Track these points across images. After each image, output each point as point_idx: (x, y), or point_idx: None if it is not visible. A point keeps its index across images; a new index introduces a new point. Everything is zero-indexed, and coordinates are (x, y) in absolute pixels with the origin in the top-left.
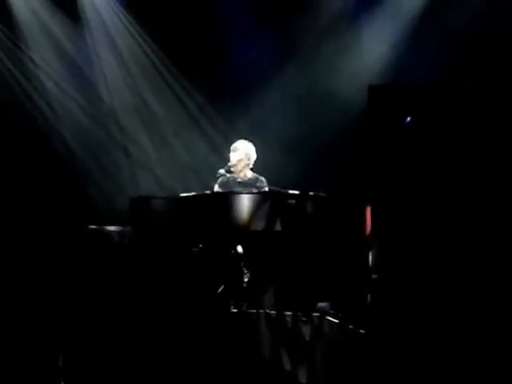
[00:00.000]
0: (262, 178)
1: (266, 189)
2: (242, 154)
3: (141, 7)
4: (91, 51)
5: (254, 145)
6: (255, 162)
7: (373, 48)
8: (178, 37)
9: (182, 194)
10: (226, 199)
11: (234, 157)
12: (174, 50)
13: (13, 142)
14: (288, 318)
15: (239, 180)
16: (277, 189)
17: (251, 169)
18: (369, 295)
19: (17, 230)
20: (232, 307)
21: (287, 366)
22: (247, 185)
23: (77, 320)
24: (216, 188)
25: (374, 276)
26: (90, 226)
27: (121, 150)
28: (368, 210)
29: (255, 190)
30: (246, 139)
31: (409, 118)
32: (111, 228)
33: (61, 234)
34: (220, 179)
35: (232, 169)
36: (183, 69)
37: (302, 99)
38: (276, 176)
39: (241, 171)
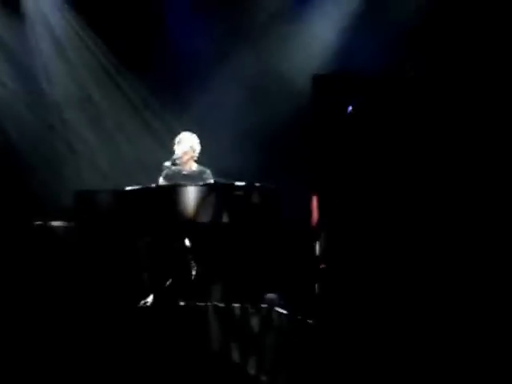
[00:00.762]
0: (208, 170)
1: (212, 181)
2: (187, 146)
3: (82, 1)
4: (32, 44)
5: (200, 136)
6: (200, 153)
7: (321, 35)
8: (119, 28)
9: (127, 188)
10: (172, 192)
11: (178, 149)
12: (115, 42)
13: None
14: (236, 310)
15: (184, 172)
16: (223, 180)
17: (196, 161)
18: (317, 285)
19: None
20: (180, 300)
21: (236, 358)
22: (193, 177)
23: (18, 317)
24: (161, 181)
25: (321, 266)
26: (35, 222)
27: (64, 143)
28: (314, 200)
29: (201, 183)
30: (190, 131)
31: (350, 107)
32: (56, 223)
33: (4, 230)
34: (165, 172)
35: (177, 161)
36: (125, 60)
37: (249, 88)
38: (222, 167)
39: (186, 163)
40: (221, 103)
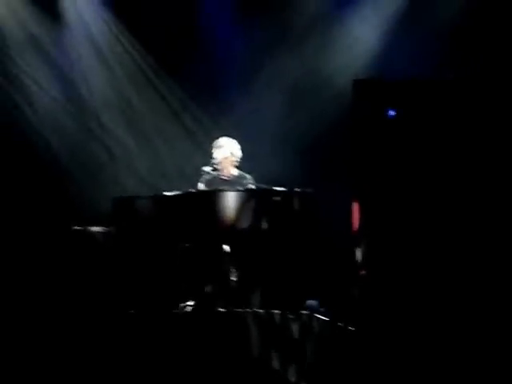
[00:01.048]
0: (248, 176)
1: (252, 186)
2: (227, 151)
3: (122, 5)
4: (71, 49)
5: (239, 140)
6: (241, 158)
7: (361, 38)
8: (158, 31)
9: (165, 193)
10: (211, 197)
11: (218, 154)
12: (154, 46)
13: None
14: (276, 317)
15: (224, 178)
16: (263, 186)
17: (237, 166)
18: (357, 292)
19: None
20: (219, 306)
21: (276, 365)
22: (233, 183)
23: (59, 319)
24: (200, 186)
25: (362, 272)
26: (74, 227)
27: (103, 149)
28: (355, 206)
29: (241, 188)
30: (229, 135)
31: (392, 112)
32: (95, 228)
33: (44, 234)
34: (204, 177)
35: (216, 166)
36: (164, 64)
37: (289, 92)
38: (262, 172)
39: (225, 168)
40: (261, 107)
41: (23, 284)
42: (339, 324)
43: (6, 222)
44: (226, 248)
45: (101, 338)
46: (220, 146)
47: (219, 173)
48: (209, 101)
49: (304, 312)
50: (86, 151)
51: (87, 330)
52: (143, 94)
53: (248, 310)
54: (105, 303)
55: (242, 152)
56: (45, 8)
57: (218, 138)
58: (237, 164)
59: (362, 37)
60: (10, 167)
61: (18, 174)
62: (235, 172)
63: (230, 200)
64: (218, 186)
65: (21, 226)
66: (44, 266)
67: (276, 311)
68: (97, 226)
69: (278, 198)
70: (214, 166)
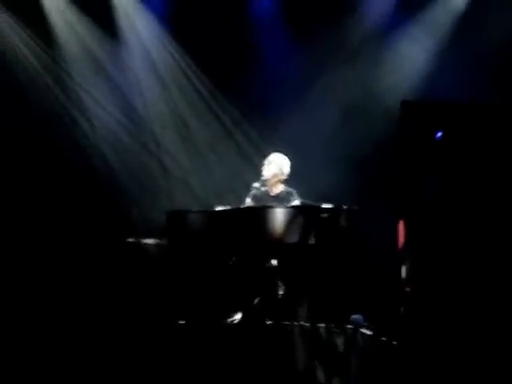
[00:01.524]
0: (294, 192)
1: (298, 202)
2: (277, 168)
3: (178, 24)
4: (128, 67)
5: (289, 157)
6: (289, 174)
7: (409, 62)
8: (213, 50)
9: (217, 208)
10: (261, 213)
11: (268, 171)
12: (208, 64)
13: (52, 158)
14: (322, 330)
15: (272, 194)
16: (310, 202)
17: (284, 181)
18: (402, 308)
19: (54, 244)
20: (267, 319)
21: (321, 378)
22: (280, 199)
23: (113, 330)
24: (248, 201)
25: (406, 289)
26: (128, 239)
27: (157, 163)
28: (401, 224)
29: (287, 204)
30: (280, 152)
31: (439, 133)
32: (148, 241)
33: (98, 247)
34: (252, 192)
35: (266, 183)
36: (218, 82)
37: (339, 110)
38: (311, 188)
39: (274, 185)
40: (311, 125)
41: (78, 294)
42: (383, 339)
43: (61, 234)
44: (274, 262)
45: (152, 348)
46: (270, 163)
47: (267, 189)
48: (260, 118)
49: (349, 326)
50: (141, 166)
51: (140, 339)
52: (197, 111)
53: (294, 323)
54: (156, 314)
55: (292, 168)
56: (103, 26)
57: (268, 154)
58: (284, 180)
59: (411, 57)
60: (67, 180)
61: (74, 187)
62: (282, 188)
63: (279, 216)
64: (266, 202)
65: (76, 237)
66: (99, 277)
67: (321, 325)
68: (150, 238)
69: (326, 215)
70: (264, 182)
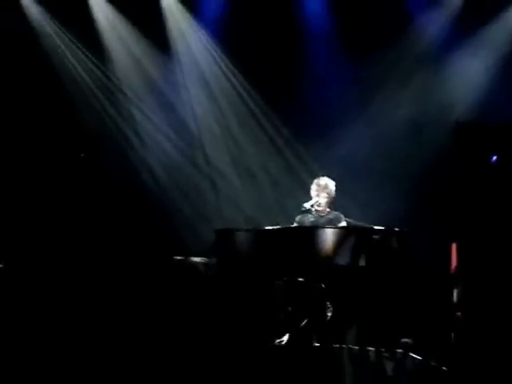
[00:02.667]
0: (341, 215)
1: (344, 223)
2: (327, 193)
3: (230, 39)
4: (180, 83)
5: (339, 178)
6: (339, 194)
7: (463, 82)
8: (267, 71)
9: (266, 227)
10: (311, 233)
11: (319, 196)
12: (262, 84)
13: (102, 175)
14: (371, 354)
15: (322, 215)
16: (361, 224)
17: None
18: (453, 333)
19: (106, 257)
20: (315, 341)
21: None
22: (329, 221)
23: (159, 349)
24: (298, 221)
25: (458, 313)
26: (176, 257)
27: (207, 181)
28: (454, 248)
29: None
30: (331, 172)
31: (495, 157)
32: (196, 259)
33: (147, 264)
34: (302, 215)
35: (316, 207)
36: (270, 101)
37: (388, 136)
38: (360, 210)
39: (323, 207)
40: (363, 145)
41: (126, 312)
42: (433, 364)
43: (111, 250)
44: (323, 284)
45: (200, 367)
46: (320, 186)
47: (317, 209)
48: (312, 138)
49: (398, 350)
50: (191, 183)
51: (188, 359)
52: (248, 129)
53: (343, 345)
54: (203, 333)
55: (342, 189)
56: (155, 41)
57: (318, 176)
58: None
59: (468, 76)
60: (118, 198)
61: (124, 204)
62: (328, 209)
63: (329, 237)
64: (317, 223)
65: (125, 255)
66: (147, 296)
67: (371, 348)
68: (198, 257)
69: (377, 237)
70: (314, 204)
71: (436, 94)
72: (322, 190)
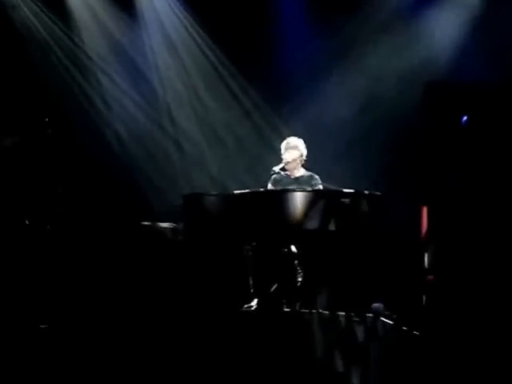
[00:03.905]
0: (316, 176)
1: (321, 186)
2: (296, 151)
3: (197, 2)
4: (146, 46)
5: (308, 142)
6: (308, 159)
7: (431, 44)
8: (234, 33)
9: (235, 191)
10: (280, 197)
11: (288, 155)
12: (229, 46)
13: (68, 138)
14: (341, 319)
15: (293, 177)
16: (331, 187)
17: (303, 165)
18: (424, 296)
19: (68, 225)
20: (285, 306)
21: (340, 367)
22: (301, 182)
23: (126, 313)
24: (269, 186)
25: (429, 277)
26: (143, 223)
27: (174, 145)
28: (424, 211)
29: (309, 188)
30: (299, 136)
31: (465, 117)
32: (164, 224)
33: (114, 229)
34: (273, 176)
35: (286, 166)
36: (238, 64)
37: (358, 97)
38: (330, 174)
39: (295, 169)
40: (332, 109)
41: (90, 278)
42: (404, 328)
43: (75, 215)
44: (293, 248)
45: (166, 333)
46: (290, 147)
47: (288, 172)
48: (280, 101)
49: (369, 315)
50: (157, 146)
51: (152, 324)
52: (215, 92)
53: (313, 311)
54: (170, 299)
55: (310, 153)
56: (120, 3)
57: (286, 137)
58: (303, 163)
59: (436, 39)
60: (83, 163)
61: (90, 169)
62: (303, 172)
63: (299, 200)
64: (287, 185)
65: (91, 219)
66: (112, 261)
67: (341, 313)
68: (165, 221)
69: (347, 200)
70: (284, 165)
71: (405, 57)
72: (290, 149)
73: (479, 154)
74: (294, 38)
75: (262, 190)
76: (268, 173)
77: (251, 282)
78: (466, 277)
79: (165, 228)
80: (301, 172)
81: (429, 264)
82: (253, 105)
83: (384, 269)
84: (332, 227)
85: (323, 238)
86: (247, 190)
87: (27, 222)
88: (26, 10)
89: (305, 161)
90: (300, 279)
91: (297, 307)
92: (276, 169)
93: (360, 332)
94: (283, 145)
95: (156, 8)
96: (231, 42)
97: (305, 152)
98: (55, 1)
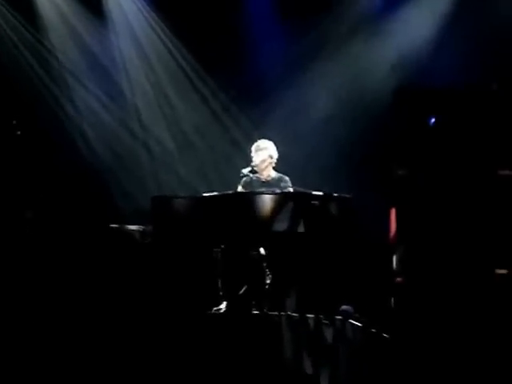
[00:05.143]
0: (286, 178)
1: (291, 189)
2: (265, 153)
3: (165, 4)
4: (114, 48)
5: (278, 144)
6: (278, 161)
7: (402, 47)
8: (203, 35)
9: (204, 194)
10: (249, 199)
11: (256, 157)
12: (198, 48)
13: (35, 140)
14: (310, 321)
15: (263, 180)
16: (300, 189)
17: (274, 168)
18: (392, 299)
19: (37, 227)
20: (253, 309)
21: (309, 370)
22: (271, 185)
23: (93, 317)
24: (240, 188)
25: (397, 279)
26: (112, 225)
27: (142, 147)
28: (393, 213)
29: (279, 190)
30: (269, 138)
31: (433, 119)
32: (132, 227)
33: (82, 232)
34: (243, 179)
35: (255, 168)
36: (207, 66)
37: (330, 97)
38: (300, 176)
39: (264, 170)
40: (301, 111)
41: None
42: (373, 331)
43: (43, 217)
44: (262, 250)
45: (136, 336)
46: (259, 149)
47: (258, 175)
48: (250, 103)
49: (338, 317)
50: (125, 148)
51: (120, 326)
52: (184, 93)
53: (282, 313)
54: (139, 302)
55: (280, 154)
56: (88, 5)
57: (257, 140)
58: (274, 166)
59: (406, 41)
60: (52, 165)
61: (58, 171)
62: (274, 174)
63: (268, 202)
64: (257, 188)
65: (59, 223)
66: (80, 263)
67: (310, 315)
68: (133, 224)
69: (316, 202)
70: (253, 167)
71: (376, 60)
72: (259, 151)
73: (447, 154)
74: (264, 40)
75: (230, 192)
76: (237, 175)
77: (220, 285)
78: (434, 279)
79: (133, 230)
80: (271, 174)
81: (397, 266)
82: (222, 106)
83: (353, 271)
84: (301, 229)
85: (292, 240)
86: (216, 193)
87: None
88: None
89: (275, 163)
90: (269, 281)
91: (266, 310)
92: (245, 171)
93: (329, 334)
94: (253, 147)
95: (124, 9)
96: (200, 44)
97: (275, 154)
98: (23, 1)
